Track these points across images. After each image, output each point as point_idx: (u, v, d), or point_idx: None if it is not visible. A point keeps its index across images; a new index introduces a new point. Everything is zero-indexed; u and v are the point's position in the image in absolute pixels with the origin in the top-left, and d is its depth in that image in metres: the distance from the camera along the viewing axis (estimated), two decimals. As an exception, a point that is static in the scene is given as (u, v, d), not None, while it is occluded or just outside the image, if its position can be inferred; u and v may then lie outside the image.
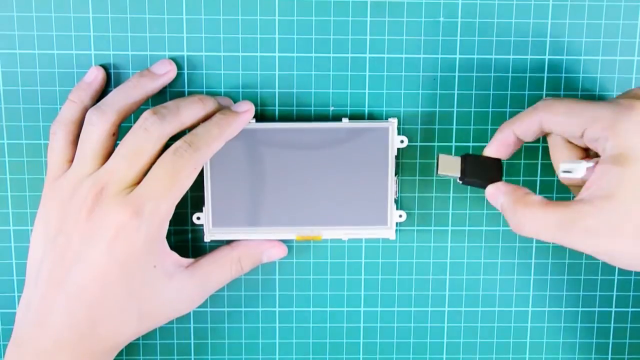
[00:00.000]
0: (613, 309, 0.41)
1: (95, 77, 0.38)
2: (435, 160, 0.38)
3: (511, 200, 0.34)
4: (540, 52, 0.39)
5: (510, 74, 0.39)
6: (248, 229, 0.39)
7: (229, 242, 0.39)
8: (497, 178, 0.35)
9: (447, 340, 0.42)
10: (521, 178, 0.40)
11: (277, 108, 0.39)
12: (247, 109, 0.37)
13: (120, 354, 0.41)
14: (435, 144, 0.40)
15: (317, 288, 0.41)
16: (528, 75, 0.39)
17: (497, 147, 0.36)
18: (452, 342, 0.42)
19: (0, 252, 0.40)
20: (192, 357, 0.42)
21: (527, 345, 0.42)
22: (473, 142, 0.40)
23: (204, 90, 0.39)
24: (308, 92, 0.39)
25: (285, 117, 0.39)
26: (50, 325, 0.34)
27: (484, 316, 0.42)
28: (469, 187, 0.40)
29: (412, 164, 0.40)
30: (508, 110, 0.40)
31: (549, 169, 0.40)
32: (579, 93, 0.39)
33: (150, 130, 0.34)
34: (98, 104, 0.36)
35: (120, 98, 0.36)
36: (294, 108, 0.39)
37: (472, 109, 0.40)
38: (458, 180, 0.36)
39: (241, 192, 0.39)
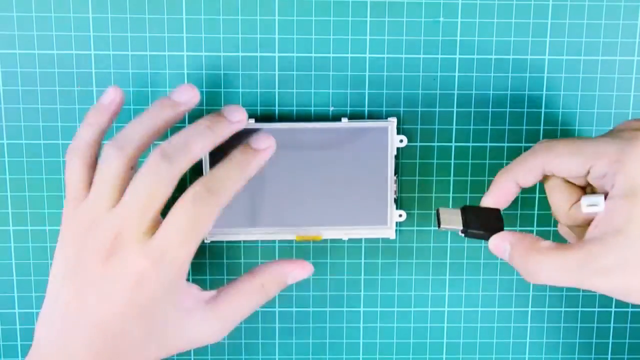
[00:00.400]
0: (613, 309, 0.41)
1: (112, 99, 0.35)
2: (435, 215, 0.37)
3: (521, 249, 0.33)
4: (540, 52, 0.39)
5: (510, 74, 0.39)
6: (248, 229, 0.39)
7: (258, 243, 0.39)
8: (499, 228, 0.34)
9: (447, 340, 0.42)
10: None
11: (277, 108, 0.39)
12: (268, 146, 0.35)
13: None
14: (435, 144, 0.40)
15: (316, 288, 0.41)
16: (528, 75, 0.39)
17: (497, 197, 0.35)
18: (452, 342, 0.42)
19: (0, 252, 0.40)
20: (192, 357, 0.42)
21: (526, 345, 0.42)
22: (473, 142, 0.40)
23: (204, 90, 0.39)
24: (308, 92, 0.39)
25: (285, 117, 0.39)
26: (72, 355, 0.33)
27: (483, 316, 0.42)
28: (468, 186, 0.40)
29: (411, 164, 0.40)
30: (508, 110, 0.40)
31: (545, 219, 0.40)
32: (579, 93, 0.39)
33: (161, 175, 0.33)
34: (116, 137, 0.34)
35: (140, 130, 0.34)
36: (294, 108, 0.39)
37: (472, 109, 0.40)
38: (460, 233, 0.35)
39: (241, 193, 0.38)
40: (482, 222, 0.35)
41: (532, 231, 0.40)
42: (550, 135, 0.40)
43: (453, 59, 0.39)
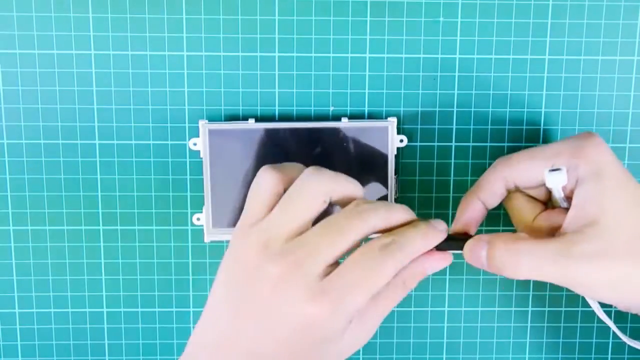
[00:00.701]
0: (613, 309, 0.41)
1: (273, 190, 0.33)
2: None
3: (500, 244, 0.32)
4: (540, 52, 0.39)
5: (510, 74, 0.39)
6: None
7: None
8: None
9: (447, 340, 0.42)
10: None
11: (277, 108, 0.39)
12: (444, 229, 0.33)
13: (117, 353, 0.41)
14: (435, 143, 0.40)
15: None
16: (528, 75, 0.39)
17: (465, 221, 0.35)
18: (452, 342, 0.42)
19: (0, 252, 0.40)
20: (192, 357, 0.42)
21: (526, 345, 0.42)
22: (473, 142, 0.40)
23: (204, 89, 0.39)
24: (308, 92, 0.39)
25: (285, 117, 0.39)
26: None
27: (483, 316, 0.42)
28: (468, 186, 0.40)
29: (412, 164, 0.40)
30: (507, 110, 0.40)
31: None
32: (579, 93, 0.39)
33: (364, 218, 0.31)
34: (321, 170, 0.32)
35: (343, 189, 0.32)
36: (294, 108, 0.39)
37: (472, 109, 0.40)
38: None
39: (241, 193, 0.39)
40: (453, 239, 0.34)
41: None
42: (550, 135, 0.40)
43: (453, 59, 0.39)
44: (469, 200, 0.35)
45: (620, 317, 0.41)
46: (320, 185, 0.32)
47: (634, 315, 0.41)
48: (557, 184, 0.33)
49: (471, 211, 0.35)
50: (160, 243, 0.40)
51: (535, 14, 0.39)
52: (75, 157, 0.39)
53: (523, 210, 0.35)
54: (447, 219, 0.40)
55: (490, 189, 0.35)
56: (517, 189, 0.35)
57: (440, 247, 0.33)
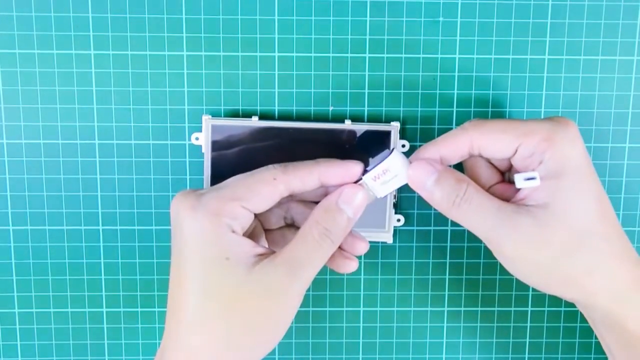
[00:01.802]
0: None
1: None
2: None
3: (452, 179, 0.33)
4: (539, 52, 0.39)
5: (509, 74, 0.39)
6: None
7: None
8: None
9: (447, 340, 0.42)
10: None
11: (276, 108, 0.39)
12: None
13: (117, 353, 0.41)
14: (435, 143, 0.40)
15: (316, 288, 0.41)
16: (527, 75, 0.39)
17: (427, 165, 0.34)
18: (451, 342, 0.42)
19: (0, 252, 0.40)
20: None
21: (526, 345, 0.42)
22: (473, 142, 0.40)
23: (204, 89, 0.39)
24: (307, 91, 0.39)
25: (284, 117, 0.39)
26: None
27: (483, 316, 0.42)
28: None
29: (411, 164, 0.40)
30: (507, 110, 0.40)
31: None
32: (579, 93, 0.39)
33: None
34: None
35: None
36: (294, 108, 0.39)
37: (472, 109, 0.40)
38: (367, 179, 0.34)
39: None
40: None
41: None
42: (550, 135, 0.40)
43: (453, 58, 0.39)
44: (427, 152, 0.34)
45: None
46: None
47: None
48: (527, 187, 0.33)
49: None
50: (159, 243, 0.40)
51: (535, 14, 0.39)
52: (74, 157, 0.39)
53: (481, 176, 0.35)
54: (447, 219, 0.40)
55: (454, 149, 0.34)
56: (480, 155, 0.34)
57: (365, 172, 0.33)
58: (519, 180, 0.33)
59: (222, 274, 0.31)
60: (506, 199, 0.34)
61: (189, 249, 0.32)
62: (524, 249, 0.32)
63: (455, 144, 0.33)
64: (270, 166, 0.33)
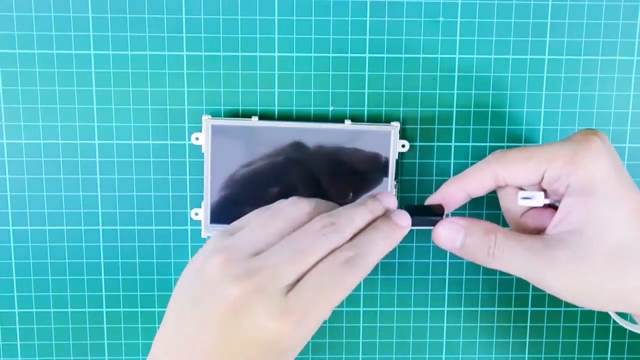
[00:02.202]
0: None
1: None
2: None
3: (479, 232, 0.33)
4: (539, 52, 0.39)
5: (509, 74, 0.39)
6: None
7: None
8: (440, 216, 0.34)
9: (447, 340, 0.42)
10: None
11: (276, 108, 0.39)
12: (407, 225, 0.33)
13: (117, 353, 0.41)
14: (435, 143, 0.40)
15: (316, 288, 0.41)
16: (527, 75, 0.39)
17: (443, 200, 0.35)
18: (451, 342, 0.42)
19: (0, 252, 0.40)
20: (192, 356, 0.42)
21: (526, 345, 0.42)
22: (472, 142, 0.40)
23: (204, 89, 0.39)
24: (307, 92, 0.39)
25: (284, 117, 0.39)
26: None
27: (483, 316, 0.42)
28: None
29: (411, 164, 0.40)
30: (507, 110, 0.40)
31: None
32: (579, 93, 0.39)
33: (328, 238, 0.31)
34: (311, 200, 0.33)
35: (326, 208, 0.33)
36: (294, 108, 0.39)
37: (472, 109, 0.40)
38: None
39: (239, 190, 0.39)
40: (424, 214, 0.34)
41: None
42: (550, 135, 0.40)
43: (453, 58, 0.39)
44: (452, 187, 0.35)
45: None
46: (297, 207, 0.32)
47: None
48: (530, 205, 0.33)
49: (451, 197, 0.35)
50: (159, 243, 0.40)
51: (535, 14, 0.39)
52: (74, 157, 0.39)
53: (512, 205, 0.35)
54: (447, 218, 0.40)
55: (479, 183, 0.34)
56: (507, 185, 0.35)
57: (413, 223, 0.33)
58: (519, 198, 0.33)
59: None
60: (542, 226, 0.33)
61: (273, 356, 0.30)
62: (564, 282, 0.32)
63: (480, 179, 0.34)
64: None
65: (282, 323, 0.29)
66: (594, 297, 0.33)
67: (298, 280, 0.30)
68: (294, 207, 0.32)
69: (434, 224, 0.34)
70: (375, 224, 0.33)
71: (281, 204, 0.33)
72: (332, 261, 0.31)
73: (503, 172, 0.34)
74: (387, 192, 0.35)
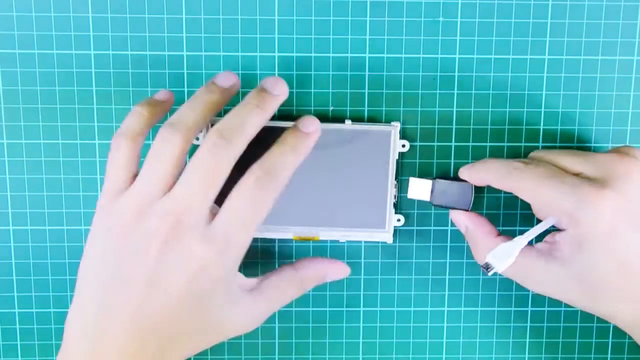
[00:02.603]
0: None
1: (168, 98, 0.36)
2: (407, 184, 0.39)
3: (477, 234, 0.37)
4: (539, 52, 0.39)
5: (509, 74, 0.39)
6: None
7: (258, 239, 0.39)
8: (465, 203, 0.38)
9: (447, 340, 0.42)
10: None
11: (276, 108, 0.39)
12: (315, 129, 0.35)
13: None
14: (435, 143, 0.40)
15: (316, 288, 0.41)
16: (527, 75, 0.39)
17: (474, 179, 0.38)
18: (451, 342, 0.42)
19: (0, 252, 0.40)
20: (192, 357, 0.42)
21: (526, 345, 0.42)
22: (472, 142, 0.40)
23: (204, 90, 0.39)
24: (307, 92, 0.39)
25: (284, 117, 0.39)
26: (113, 344, 0.32)
27: (483, 316, 0.42)
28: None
29: (411, 164, 0.40)
30: (507, 110, 0.40)
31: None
32: (579, 93, 0.39)
33: (220, 154, 0.32)
34: (170, 120, 0.33)
35: (191, 115, 0.33)
36: (294, 108, 0.39)
37: (472, 109, 0.40)
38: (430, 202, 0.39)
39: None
40: (450, 197, 0.38)
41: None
42: (550, 135, 0.40)
43: (453, 58, 0.39)
44: (480, 171, 0.37)
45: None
46: (175, 141, 0.33)
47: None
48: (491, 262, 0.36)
49: (479, 178, 0.37)
50: (160, 243, 0.40)
51: (535, 14, 0.39)
52: (75, 157, 0.39)
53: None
54: (447, 219, 0.40)
55: (499, 185, 0.36)
56: None
57: (436, 205, 0.38)
58: (487, 255, 0.36)
59: (216, 305, 0.33)
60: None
61: (203, 287, 0.32)
62: (543, 290, 0.36)
63: (500, 184, 0.36)
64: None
65: (205, 248, 0.32)
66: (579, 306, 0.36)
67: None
68: (169, 145, 0.33)
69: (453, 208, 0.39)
70: (282, 137, 0.34)
71: (153, 147, 0.33)
72: (242, 184, 0.33)
73: (515, 192, 0.35)
74: (275, 78, 0.35)
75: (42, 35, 0.38)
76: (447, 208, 0.39)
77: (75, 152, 0.39)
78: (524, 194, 0.35)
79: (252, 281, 0.36)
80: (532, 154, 0.38)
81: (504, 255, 0.35)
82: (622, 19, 0.39)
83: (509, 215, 0.40)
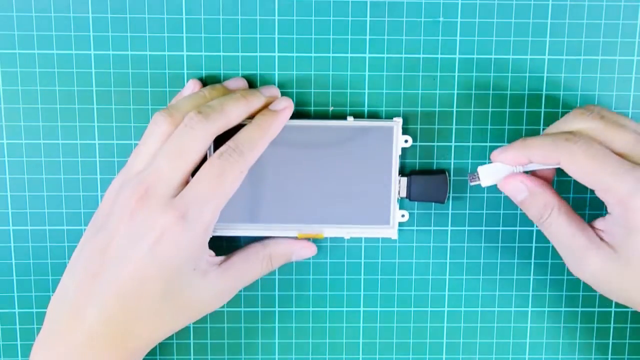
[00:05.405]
0: (613, 309, 0.41)
1: (192, 89, 0.38)
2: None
3: (540, 203, 0.35)
4: (539, 52, 0.39)
5: (509, 74, 0.39)
6: (249, 225, 0.39)
7: (259, 239, 0.39)
8: (441, 196, 0.39)
9: (447, 340, 0.42)
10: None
11: (276, 108, 0.39)
12: (285, 106, 0.36)
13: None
14: (435, 143, 0.40)
15: (316, 288, 0.41)
16: (527, 75, 0.39)
17: (508, 159, 0.36)
18: (452, 342, 0.42)
19: (0, 252, 0.40)
20: (192, 357, 0.42)
21: (526, 346, 0.42)
22: (472, 142, 0.40)
23: (204, 90, 0.39)
24: (308, 92, 0.39)
25: (284, 117, 0.39)
26: (84, 319, 0.33)
27: (483, 316, 0.42)
28: (467, 187, 0.40)
29: (411, 164, 0.40)
30: (507, 110, 0.40)
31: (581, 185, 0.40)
32: (579, 93, 0.39)
33: (195, 129, 0.34)
34: (169, 105, 0.36)
35: (190, 106, 0.35)
36: (294, 108, 0.39)
37: (472, 109, 0.40)
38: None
39: (243, 188, 0.38)
40: (426, 191, 0.39)
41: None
42: (550, 135, 0.40)
43: (453, 59, 0.39)
44: (518, 150, 0.35)
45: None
46: (163, 123, 0.35)
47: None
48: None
49: (517, 158, 0.36)
50: (160, 243, 0.40)
51: (535, 14, 0.39)
52: (75, 157, 0.39)
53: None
54: (447, 219, 0.40)
55: (543, 160, 0.35)
56: None
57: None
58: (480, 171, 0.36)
59: (186, 282, 0.34)
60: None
61: (165, 255, 0.33)
62: (596, 277, 0.34)
63: (546, 159, 0.34)
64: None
65: (166, 216, 0.33)
66: (621, 299, 0.35)
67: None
68: (156, 127, 0.35)
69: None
70: (254, 119, 0.36)
71: (148, 129, 0.35)
72: (209, 160, 0.34)
73: (564, 167, 0.34)
74: (271, 86, 0.38)
75: (42, 35, 0.38)
76: (424, 202, 0.40)
77: (75, 152, 0.39)
78: (571, 169, 0.34)
79: (221, 258, 0.37)
80: (577, 114, 0.35)
81: (493, 174, 0.36)
82: (622, 19, 0.39)
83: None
